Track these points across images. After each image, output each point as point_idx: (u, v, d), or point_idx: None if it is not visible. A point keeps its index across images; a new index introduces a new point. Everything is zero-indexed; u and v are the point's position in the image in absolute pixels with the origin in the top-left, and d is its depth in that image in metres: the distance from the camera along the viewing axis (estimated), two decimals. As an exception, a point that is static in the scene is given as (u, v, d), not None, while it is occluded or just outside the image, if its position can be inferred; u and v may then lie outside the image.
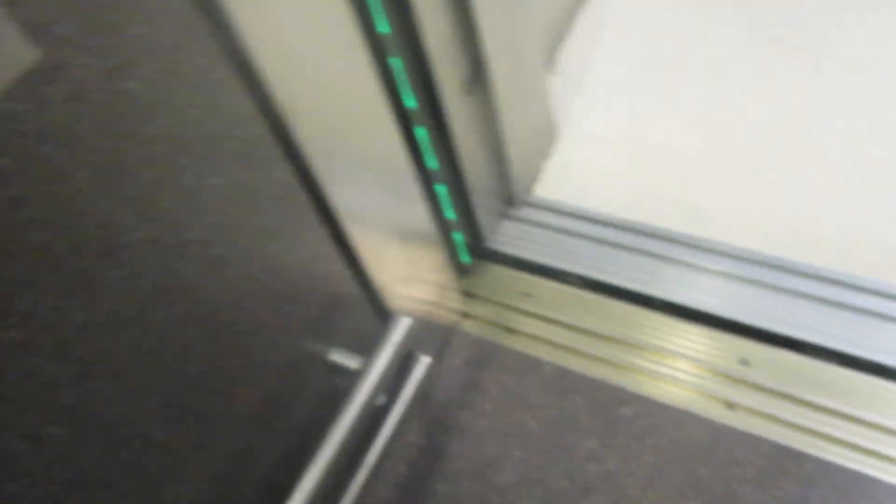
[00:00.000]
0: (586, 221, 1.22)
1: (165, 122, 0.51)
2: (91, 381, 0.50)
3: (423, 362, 0.85)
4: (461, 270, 1.14)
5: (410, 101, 0.84)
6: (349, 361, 0.78)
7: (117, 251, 0.49)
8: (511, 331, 1.11)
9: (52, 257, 0.45)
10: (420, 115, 0.87)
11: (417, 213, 0.93)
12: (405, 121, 0.86)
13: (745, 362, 1.03)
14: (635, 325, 1.11)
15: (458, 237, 1.09)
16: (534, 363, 1.05)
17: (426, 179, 0.94)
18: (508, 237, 1.21)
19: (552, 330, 1.10)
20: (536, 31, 1.28)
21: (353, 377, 0.76)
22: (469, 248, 1.14)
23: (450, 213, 1.03)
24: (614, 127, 1.38)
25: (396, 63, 0.80)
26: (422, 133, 0.89)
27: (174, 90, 0.51)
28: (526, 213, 1.24)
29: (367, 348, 0.80)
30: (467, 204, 1.07)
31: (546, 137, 1.34)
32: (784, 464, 0.90)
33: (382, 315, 0.86)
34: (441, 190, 0.98)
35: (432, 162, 0.93)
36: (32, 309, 0.45)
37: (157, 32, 0.49)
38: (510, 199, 1.23)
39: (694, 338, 1.10)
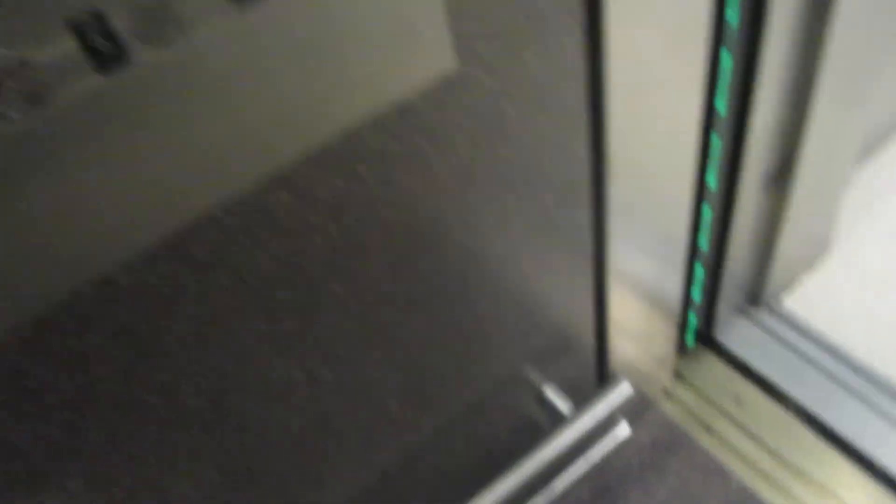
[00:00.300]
0: (828, 353, 1.13)
1: (517, 146, 0.54)
2: (366, 344, 0.55)
3: (622, 430, 0.84)
4: (681, 350, 1.10)
5: (711, 180, 0.82)
6: (559, 402, 0.79)
7: (432, 242, 0.54)
8: (709, 429, 1.06)
9: (390, 232, 0.50)
10: (713, 195, 0.85)
11: (669, 285, 0.92)
12: (697, 195, 0.84)
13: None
14: (845, 482, 1.02)
15: (692, 318, 1.06)
16: (721, 472, 1.00)
17: (690, 255, 0.92)
18: (739, 335, 1.15)
19: (752, 447, 1.04)
20: (857, 138, 1.19)
21: (558, 418, 0.77)
22: (697, 332, 1.10)
23: (696, 294, 1.00)
24: None
25: (715, 142, 0.78)
26: (707, 212, 0.87)
27: (535, 121, 0.54)
28: (766, 318, 1.17)
29: (578, 394, 0.81)
30: (716, 290, 1.03)
31: (817, 248, 1.25)
32: None
33: (602, 369, 0.86)
34: (699, 270, 0.95)
35: (704, 242, 0.91)
36: (356, 272, 0.50)
37: (543, 67, 0.52)
38: (755, 298, 1.17)
39: (904, 523, 0.99)
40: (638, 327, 0.91)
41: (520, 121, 0.53)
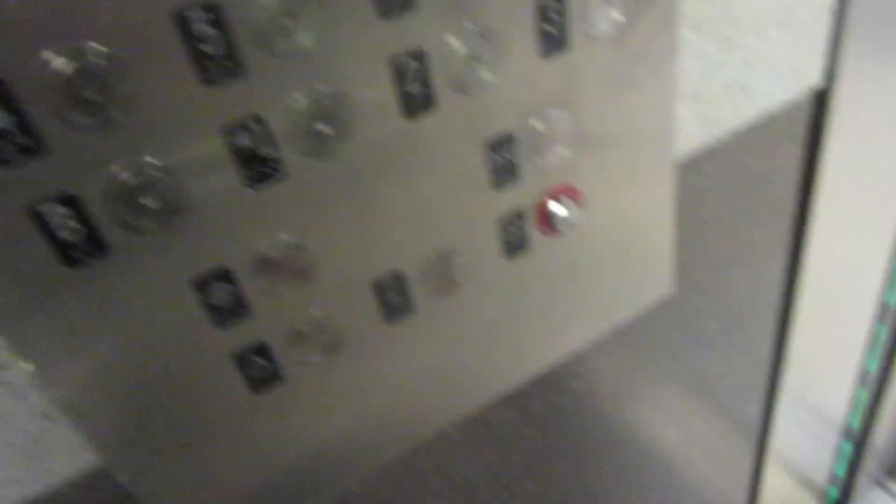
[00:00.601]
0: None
1: (710, 354, 0.55)
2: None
3: None
4: (816, 521, 1.05)
5: (872, 365, 0.80)
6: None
7: (619, 442, 0.54)
8: None
9: (585, 436, 0.51)
10: (871, 378, 0.83)
11: (817, 461, 0.89)
12: (858, 380, 0.82)
13: None
14: None
15: (832, 490, 1.01)
16: None
17: (841, 433, 0.89)
18: (877, 509, 1.08)
19: None
20: None
21: None
22: (835, 503, 1.05)
23: (840, 469, 0.96)
24: None
25: (882, 330, 0.76)
26: (862, 394, 0.84)
27: (730, 330, 0.55)
28: (906, 492, 1.10)
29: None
30: (858, 463, 0.98)
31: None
32: None
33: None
34: (846, 446, 0.91)
35: (855, 421, 0.87)
36: (549, 472, 0.51)
37: (747, 284, 0.53)
38: (895, 470, 1.11)
39: None
40: (781, 501, 0.88)
41: (717, 332, 0.53)
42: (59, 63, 0.22)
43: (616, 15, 0.32)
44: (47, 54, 0.22)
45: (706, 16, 0.36)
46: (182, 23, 0.23)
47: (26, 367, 0.27)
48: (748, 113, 0.42)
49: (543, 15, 0.31)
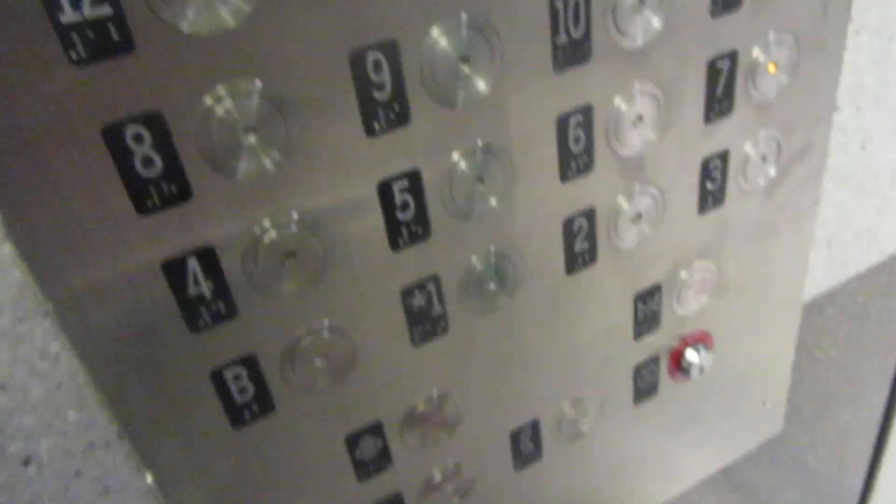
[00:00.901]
0: None
1: (806, 484, 0.52)
2: None
3: None
4: None
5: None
6: None
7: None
8: None
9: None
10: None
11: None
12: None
13: None
14: None
15: None
16: None
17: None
18: None
19: None
20: None
21: None
22: None
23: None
24: None
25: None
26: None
27: (826, 464, 0.53)
28: None
29: None
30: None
31: None
32: None
33: None
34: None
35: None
36: None
37: (848, 421, 0.51)
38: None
39: None
40: None
41: (814, 464, 0.51)
42: (266, 236, 0.22)
43: (771, 171, 0.32)
44: (257, 228, 0.21)
45: (850, 169, 0.36)
46: (385, 191, 0.23)
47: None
48: (873, 257, 0.41)
49: (707, 173, 0.30)
